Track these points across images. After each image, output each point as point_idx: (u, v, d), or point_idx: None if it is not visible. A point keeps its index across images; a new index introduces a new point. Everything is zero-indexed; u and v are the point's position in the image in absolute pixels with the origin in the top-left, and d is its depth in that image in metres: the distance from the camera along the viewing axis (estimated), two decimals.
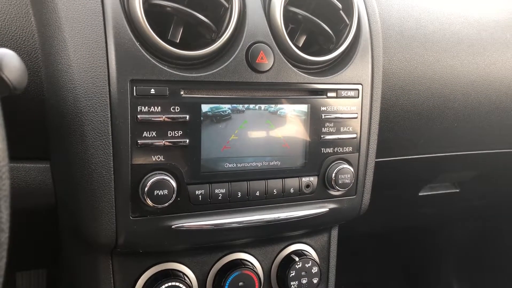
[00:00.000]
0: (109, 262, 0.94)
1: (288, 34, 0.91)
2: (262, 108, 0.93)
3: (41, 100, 0.87)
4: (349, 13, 0.98)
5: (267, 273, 1.09)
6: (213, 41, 0.86)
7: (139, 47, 0.81)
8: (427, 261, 2.41)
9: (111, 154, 0.81)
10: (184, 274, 0.99)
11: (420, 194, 1.73)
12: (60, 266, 1.21)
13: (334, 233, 1.18)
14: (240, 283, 1.02)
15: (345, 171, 1.00)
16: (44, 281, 1.88)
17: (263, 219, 0.95)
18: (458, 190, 1.77)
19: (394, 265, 2.51)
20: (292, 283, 1.07)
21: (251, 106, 0.91)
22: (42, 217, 1.09)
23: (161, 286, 0.93)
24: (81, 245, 0.99)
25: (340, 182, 1.00)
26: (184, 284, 0.95)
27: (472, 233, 2.25)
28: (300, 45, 0.96)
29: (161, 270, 0.97)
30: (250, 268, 1.03)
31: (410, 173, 1.59)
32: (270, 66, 0.90)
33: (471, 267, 2.26)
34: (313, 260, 1.09)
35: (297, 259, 1.08)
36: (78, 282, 1.06)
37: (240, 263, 1.03)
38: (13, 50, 0.60)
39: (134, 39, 0.80)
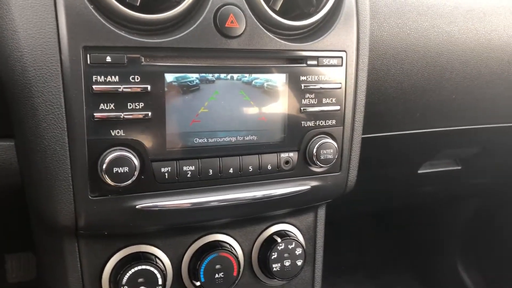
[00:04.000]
0: (74, 245, 0.89)
1: None
2: (235, 77, 0.85)
3: None
4: None
5: (247, 255, 1.03)
6: (178, 3, 0.78)
7: (92, 10, 0.73)
8: (429, 241, 2.34)
9: (65, 129, 0.75)
10: (156, 257, 0.93)
11: (419, 171, 1.65)
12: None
13: (321, 212, 1.11)
14: (218, 266, 0.96)
15: (327, 146, 0.92)
16: (34, 264, 1.85)
17: (237, 198, 0.89)
18: (460, 168, 1.69)
19: (396, 245, 2.44)
20: (274, 265, 1.01)
21: (222, 75, 0.84)
22: (19, 198, 1.04)
23: (130, 269, 0.88)
24: (45, 227, 0.93)
25: (322, 157, 0.92)
26: (156, 268, 0.89)
27: (475, 212, 2.17)
28: (278, 8, 0.88)
29: (131, 253, 0.91)
30: (227, 250, 0.96)
31: (407, 150, 1.51)
32: (242, 31, 0.82)
33: (475, 246, 2.18)
34: (297, 241, 1.03)
35: (279, 240, 1.01)
36: (45, 267, 1.01)
37: (217, 245, 0.97)
38: None
39: (86, 1, 0.73)
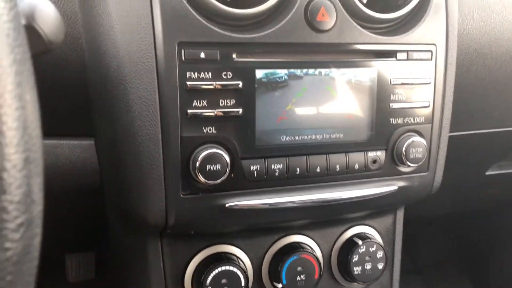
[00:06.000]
0: (158, 244, 0.88)
1: None
2: (323, 73, 0.82)
3: (83, 70, 0.81)
4: None
5: (327, 257, 1.00)
6: None
7: (187, 5, 0.72)
8: (489, 248, 2.24)
9: (159, 126, 0.74)
10: (238, 257, 0.91)
11: (487, 173, 1.57)
12: (108, 249, 1.17)
13: (400, 214, 1.06)
14: (299, 268, 0.93)
15: (417, 144, 0.88)
16: (93, 264, 1.87)
17: (324, 198, 0.86)
18: None
19: (452, 250, 2.35)
20: (355, 268, 0.98)
21: (310, 71, 0.81)
22: (88, 197, 1.04)
23: (213, 270, 0.86)
24: (129, 226, 0.93)
25: (411, 156, 0.88)
26: (238, 268, 0.87)
27: None
28: (365, 1, 0.85)
29: (214, 253, 0.90)
30: (309, 252, 0.94)
31: (478, 150, 1.44)
32: (332, 25, 0.79)
33: None
34: (378, 243, 0.99)
35: (360, 242, 0.98)
36: (127, 265, 1.00)
37: (298, 246, 0.95)
38: None
39: None
